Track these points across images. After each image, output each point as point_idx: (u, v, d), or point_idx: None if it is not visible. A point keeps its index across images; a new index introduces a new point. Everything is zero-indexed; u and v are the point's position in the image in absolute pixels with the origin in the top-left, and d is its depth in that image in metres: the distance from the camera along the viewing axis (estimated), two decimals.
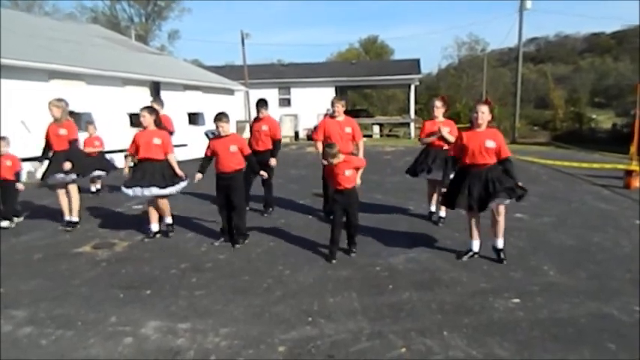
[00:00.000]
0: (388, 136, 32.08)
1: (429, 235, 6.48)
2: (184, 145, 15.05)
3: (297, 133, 29.80)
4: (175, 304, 4.39)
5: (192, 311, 4.22)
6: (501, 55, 62.26)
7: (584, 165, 13.04)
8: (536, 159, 14.82)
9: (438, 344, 3.55)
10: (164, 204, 6.71)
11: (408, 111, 33.93)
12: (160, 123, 6.78)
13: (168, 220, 6.87)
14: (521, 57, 28.69)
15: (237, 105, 26.28)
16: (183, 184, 6.65)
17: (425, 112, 46.06)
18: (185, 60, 35.87)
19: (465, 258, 5.54)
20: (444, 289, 4.65)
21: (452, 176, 5.74)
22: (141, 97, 16.84)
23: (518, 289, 4.59)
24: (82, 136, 7.97)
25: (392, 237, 6.41)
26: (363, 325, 3.88)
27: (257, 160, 6.74)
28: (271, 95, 30.75)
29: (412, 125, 31.99)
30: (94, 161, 8.92)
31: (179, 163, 6.76)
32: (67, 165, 6.87)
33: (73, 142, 7.13)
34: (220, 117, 6.12)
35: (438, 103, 7.19)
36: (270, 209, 8.02)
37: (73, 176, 7.07)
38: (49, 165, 7.11)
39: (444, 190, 5.81)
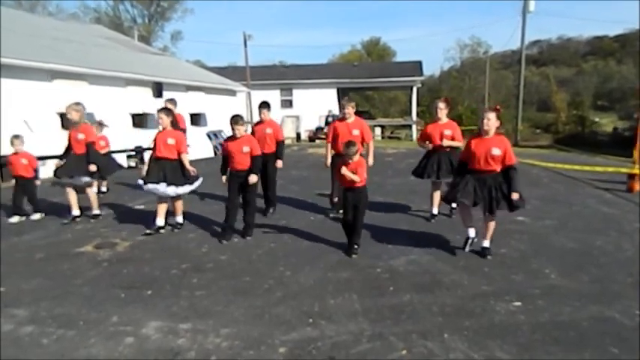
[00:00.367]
0: (390, 138, 32.10)
1: (430, 238, 6.47)
2: (187, 146, 15.06)
3: (298, 135, 29.83)
4: (176, 304, 4.39)
5: (192, 312, 4.23)
6: (504, 58, 62.25)
7: (587, 168, 13.01)
8: (538, 162, 14.80)
9: (439, 347, 3.55)
10: (179, 202, 7.07)
11: (409, 113, 33.97)
12: (176, 124, 7.11)
13: (179, 219, 7.17)
14: (523, 59, 28.69)
15: (239, 106, 26.29)
16: (197, 183, 7.01)
17: (427, 114, 46.09)
18: (187, 61, 35.93)
19: (467, 248, 5.85)
20: (445, 291, 4.64)
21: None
22: (143, 98, 16.92)
23: (520, 292, 4.58)
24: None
25: (393, 239, 6.40)
26: (364, 327, 3.88)
27: (262, 162, 6.87)
28: (273, 96, 30.79)
29: (414, 127, 32.02)
30: (110, 161, 9.07)
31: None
32: (93, 167, 7.35)
33: (91, 145, 7.47)
34: (236, 119, 6.45)
35: (442, 105, 7.21)
36: (272, 209, 8.03)
37: (89, 178, 7.52)
38: (66, 166, 7.44)
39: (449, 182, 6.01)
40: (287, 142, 8.32)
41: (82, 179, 7.44)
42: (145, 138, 16.06)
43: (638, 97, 34.88)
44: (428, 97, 51.11)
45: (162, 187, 6.66)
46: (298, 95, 31.64)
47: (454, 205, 7.25)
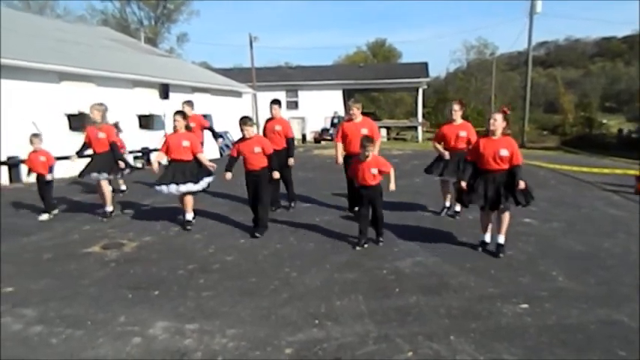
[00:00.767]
0: (395, 139, 32.07)
1: (436, 239, 6.45)
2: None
3: (304, 136, 29.85)
4: (183, 305, 4.41)
5: (199, 312, 4.24)
6: (510, 59, 62.11)
7: (594, 170, 12.95)
8: (545, 163, 14.73)
9: (445, 349, 3.54)
10: (189, 200, 7.24)
11: (415, 114, 33.93)
12: (189, 126, 7.48)
13: (189, 216, 7.32)
14: (530, 61, 28.58)
15: (245, 107, 26.35)
16: (208, 180, 7.25)
17: (432, 115, 46.18)
18: (193, 62, 36.08)
19: (480, 249, 5.93)
20: (452, 293, 4.63)
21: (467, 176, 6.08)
22: (150, 99, 17.00)
23: (527, 294, 4.57)
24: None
25: (399, 240, 6.40)
26: (370, 329, 3.87)
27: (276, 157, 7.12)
28: (279, 98, 30.79)
29: (419, 129, 31.96)
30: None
31: None
32: (122, 164, 7.76)
33: (114, 144, 7.75)
34: (245, 121, 6.63)
35: (456, 107, 7.46)
36: (294, 203, 8.47)
37: (110, 175, 7.89)
38: (89, 164, 7.69)
39: (462, 184, 6.05)
40: (293, 137, 8.42)
41: (103, 175, 7.72)
42: (151, 139, 16.15)
43: None
44: (434, 98, 51.15)
45: (168, 188, 6.93)
46: (304, 97, 31.68)
47: (458, 208, 7.58)
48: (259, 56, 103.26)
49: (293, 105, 31.91)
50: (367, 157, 6.00)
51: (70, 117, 13.99)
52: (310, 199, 9.23)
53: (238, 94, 23.82)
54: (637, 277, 4.98)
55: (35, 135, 7.97)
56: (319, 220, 7.57)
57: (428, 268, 5.36)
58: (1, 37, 12.96)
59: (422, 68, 33.14)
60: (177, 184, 6.91)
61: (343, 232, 6.89)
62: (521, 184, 5.49)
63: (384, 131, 31.40)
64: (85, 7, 66.16)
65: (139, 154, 15.76)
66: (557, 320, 4.01)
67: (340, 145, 7.61)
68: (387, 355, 3.48)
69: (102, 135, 7.63)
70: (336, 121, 28.75)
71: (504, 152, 5.55)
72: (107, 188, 7.95)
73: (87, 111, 13.22)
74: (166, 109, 16.85)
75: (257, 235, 6.65)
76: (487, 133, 5.76)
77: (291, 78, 33.24)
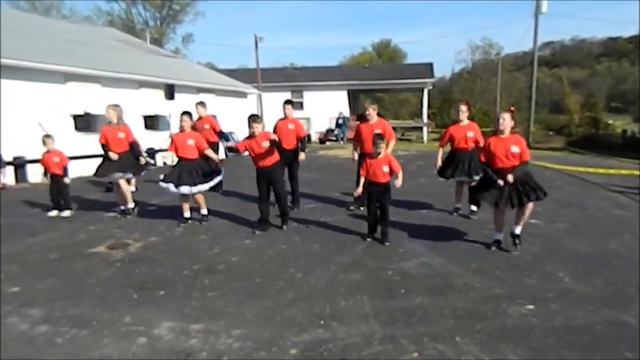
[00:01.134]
0: (400, 140, 31.98)
1: (441, 240, 6.44)
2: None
3: (309, 137, 29.83)
4: (188, 305, 4.41)
5: (204, 312, 4.25)
6: (516, 59, 61.91)
7: (600, 170, 12.90)
8: (551, 164, 14.68)
9: (451, 350, 3.53)
10: (200, 197, 7.45)
11: (420, 115, 33.85)
12: (195, 127, 7.73)
13: (204, 211, 7.58)
14: (536, 61, 28.46)
15: (250, 108, 26.38)
16: (217, 179, 7.50)
17: (438, 116, 46.08)
18: (199, 63, 36.15)
19: (493, 247, 6.00)
20: (457, 294, 4.62)
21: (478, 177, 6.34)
22: (155, 100, 17.04)
23: (533, 295, 4.55)
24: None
25: (404, 241, 6.39)
26: (375, 329, 3.87)
27: (284, 157, 7.40)
28: (284, 98, 30.76)
29: (425, 129, 31.88)
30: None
31: None
32: (143, 160, 8.13)
33: (134, 143, 8.06)
34: (254, 118, 6.80)
35: (464, 108, 7.64)
36: (297, 205, 8.48)
37: (131, 174, 8.15)
38: (109, 163, 7.82)
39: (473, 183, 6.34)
40: (304, 136, 8.54)
41: (128, 175, 8.01)
42: (157, 139, 16.19)
43: None
44: (439, 99, 51.03)
45: (178, 189, 7.11)
46: (309, 97, 31.65)
47: (474, 208, 7.66)
48: (264, 57, 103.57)
49: (298, 105, 31.78)
50: (379, 153, 6.22)
51: (75, 117, 14.05)
52: (315, 199, 9.24)
53: (243, 95, 23.85)
54: None
55: (47, 136, 8.14)
56: (324, 220, 7.57)
57: (433, 268, 5.35)
58: (8, 38, 13.04)
59: (427, 69, 33.03)
60: (188, 185, 7.07)
61: (348, 232, 6.89)
62: (510, 178, 5.59)
63: None
64: (91, 8, 66.52)
65: (145, 155, 15.80)
66: (564, 321, 3.99)
67: (355, 154, 8.10)
68: (393, 355, 3.48)
69: (121, 135, 7.88)
70: (341, 121, 28.73)
71: (515, 149, 5.70)
72: (127, 187, 8.13)
73: (92, 111, 13.37)
74: (172, 109, 16.91)
75: (284, 228, 6.96)
76: (495, 133, 5.89)
77: (296, 78, 33.21)
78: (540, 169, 13.29)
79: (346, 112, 30.58)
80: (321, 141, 28.93)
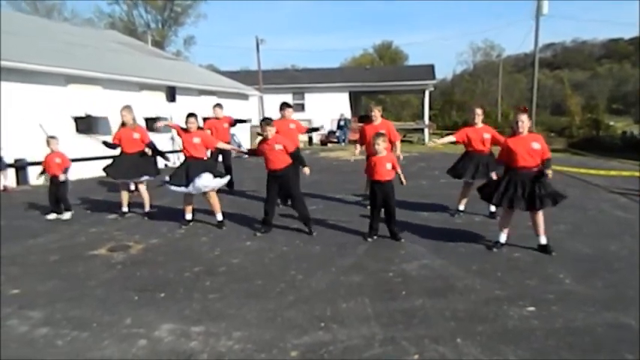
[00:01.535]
0: (402, 141, 31.94)
1: (442, 242, 6.44)
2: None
3: (310, 139, 29.83)
4: (189, 307, 4.41)
5: (205, 314, 4.25)
6: (517, 61, 61.95)
7: (601, 172, 12.88)
8: (552, 165, 14.64)
9: (452, 352, 3.53)
10: (214, 199, 7.37)
11: (422, 117, 33.81)
12: (201, 127, 7.90)
13: (219, 216, 7.44)
14: (537, 63, 28.45)
15: (252, 110, 26.40)
16: (225, 180, 7.56)
17: (439, 117, 46.07)
18: (200, 65, 36.21)
19: (494, 249, 6.00)
20: (458, 296, 4.62)
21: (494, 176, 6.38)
22: (157, 102, 17.06)
23: (534, 297, 4.54)
24: (107, 139, 8.35)
25: (405, 243, 6.39)
26: (376, 331, 3.86)
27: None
28: (285, 100, 30.79)
29: (426, 131, 31.86)
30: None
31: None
32: (166, 160, 8.48)
33: (152, 143, 8.20)
34: (267, 122, 6.83)
35: (479, 111, 7.79)
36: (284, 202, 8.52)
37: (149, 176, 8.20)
38: (125, 166, 7.92)
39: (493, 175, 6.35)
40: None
41: (141, 178, 8.06)
42: (158, 141, 16.19)
43: None
44: (440, 100, 51.03)
45: (187, 189, 7.14)
46: (310, 99, 31.65)
47: (493, 209, 7.70)
48: (266, 59, 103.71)
49: (299, 107, 31.87)
50: (379, 151, 6.30)
51: (76, 120, 14.06)
52: (316, 201, 9.23)
53: (245, 97, 23.87)
54: None
55: (52, 137, 8.14)
56: (325, 222, 7.57)
57: (434, 270, 5.34)
58: (9, 40, 13.07)
59: (428, 70, 33.01)
60: (193, 183, 7.05)
61: (349, 234, 6.89)
62: (549, 173, 5.74)
63: None
64: (93, 10, 66.67)
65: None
66: (564, 323, 3.99)
67: (359, 146, 8.24)
68: (393, 357, 3.47)
69: (136, 135, 7.98)
70: (342, 123, 28.73)
71: (536, 145, 5.76)
72: (144, 189, 8.22)
73: (93, 113, 13.39)
74: (173, 111, 16.94)
75: (312, 232, 6.82)
76: (513, 134, 5.94)
77: (297, 80, 33.22)
78: None
79: (348, 114, 30.57)
80: (323, 143, 28.91)
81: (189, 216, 7.49)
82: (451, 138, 8.05)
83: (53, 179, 8.04)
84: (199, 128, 7.67)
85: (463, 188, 7.99)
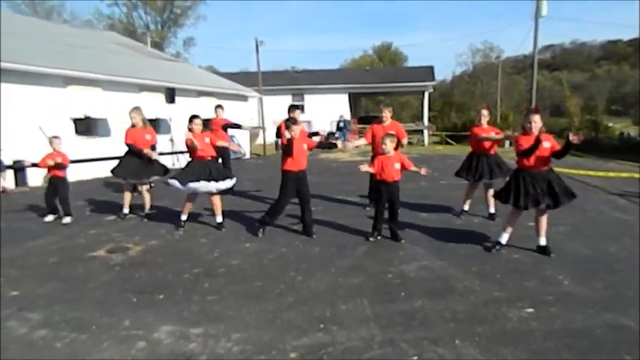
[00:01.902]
0: None
1: (442, 243, 6.44)
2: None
3: None
4: (188, 309, 4.41)
5: (204, 316, 4.24)
6: (516, 63, 61.98)
7: (600, 173, 12.89)
8: (551, 167, 14.64)
9: (451, 353, 3.53)
10: (218, 200, 7.34)
11: (421, 118, 33.85)
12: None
13: (219, 218, 7.38)
14: (536, 64, 28.46)
15: (251, 111, 26.39)
16: (231, 182, 7.45)
17: (439, 119, 46.05)
18: (200, 67, 36.20)
19: (494, 250, 5.98)
20: (457, 297, 4.61)
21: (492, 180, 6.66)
22: (156, 103, 17.07)
23: (533, 298, 4.54)
24: (106, 141, 8.31)
25: (404, 244, 6.39)
26: (375, 333, 3.86)
27: None
28: (285, 102, 30.71)
29: (426, 132, 31.89)
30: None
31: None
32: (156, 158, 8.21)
33: (154, 147, 8.18)
34: (294, 121, 6.78)
35: (485, 112, 7.78)
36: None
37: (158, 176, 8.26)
38: (137, 167, 7.92)
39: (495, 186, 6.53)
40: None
41: (150, 179, 8.15)
42: (158, 143, 16.19)
43: None
44: (440, 102, 51.04)
45: (203, 186, 7.05)
46: (310, 100, 31.68)
47: (492, 210, 7.79)
48: (265, 60, 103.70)
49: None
50: (387, 151, 6.33)
51: (76, 121, 14.06)
52: (315, 202, 9.22)
53: (244, 98, 23.86)
54: None
55: (55, 137, 8.10)
56: (324, 223, 7.57)
57: (433, 272, 5.34)
58: (8, 42, 13.07)
59: (428, 72, 33.08)
60: (207, 181, 7.01)
61: (348, 235, 6.89)
62: (573, 137, 5.69)
63: None
64: (92, 11, 66.69)
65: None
66: (563, 325, 3.99)
67: (363, 140, 8.40)
68: (393, 359, 3.47)
69: (148, 137, 8.04)
70: (342, 125, 28.74)
71: (547, 144, 5.74)
72: (147, 192, 8.26)
73: (93, 115, 13.39)
74: (172, 113, 16.94)
75: (314, 236, 6.77)
76: (525, 132, 5.91)
77: (297, 82, 33.25)
78: None
79: (347, 116, 30.59)
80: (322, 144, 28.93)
81: (184, 217, 7.46)
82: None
83: (52, 180, 8.00)
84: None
85: (468, 189, 8.02)
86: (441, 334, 3.82)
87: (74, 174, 8.57)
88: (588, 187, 11.33)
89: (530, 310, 4.28)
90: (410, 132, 34.03)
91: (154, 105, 17.10)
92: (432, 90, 33.25)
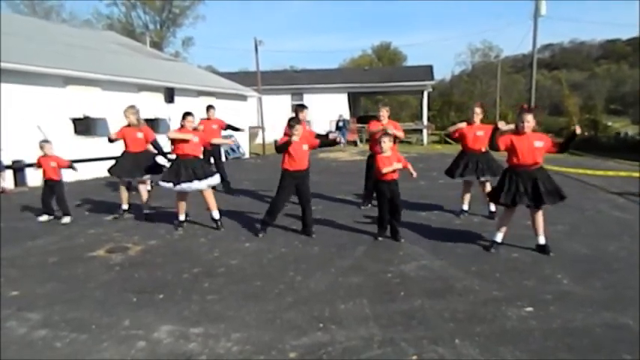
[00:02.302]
0: (400, 142, 31.96)
1: (441, 243, 6.45)
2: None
3: None
4: (188, 308, 4.41)
5: (204, 316, 4.25)
6: (515, 62, 61.97)
7: (599, 172, 12.90)
8: (550, 166, 14.65)
9: (450, 353, 3.53)
10: (209, 196, 7.29)
11: (420, 117, 33.86)
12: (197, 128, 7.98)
13: (215, 214, 7.35)
14: (535, 63, 28.47)
15: (250, 111, 26.38)
16: (214, 181, 7.37)
17: (438, 118, 46.07)
18: (199, 66, 36.19)
19: (492, 249, 6.00)
20: (457, 297, 4.62)
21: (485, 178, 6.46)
22: (155, 103, 17.06)
23: (532, 297, 4.55)
24: (105, 141, 8.30)
25: (404, 244, 6.40)
26: (375, 332, 3.87)
27: None
28: (284, 101, 30.85)
29: (424, 132, 31.89)
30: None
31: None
32: (164, 160, 8.15)
33: (155, 142, 8.17)
34: (297, 121, 6.77)
35: (478, 110, 7.81)
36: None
37: (149, 175, 8.18)
38: (125, 164, 7.94)
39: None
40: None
41: (144, 177, 8.07)
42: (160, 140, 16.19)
43: None
44: (439, 101, 50.99)
45: (188, 185, 7.05)
46: (309, 100, 31.58)
47: (493, 208, 7.78)
48: (265, 60, 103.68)
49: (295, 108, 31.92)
50: (385, 150, 6.39)
51: (75, 121, 14.05)
52: (315, 202, 9.22)
53: (243, 98, 23.85)
54: None
55: (45, 141, 8.11)
56: (324, 223, 7.57)
57: (433, 271, 5.35)
58: (7, 42, 13.05)
59: (427, 71, 33.04)
60: (188, 182, 6.99)
61: (348, 235, 6.90)
62: (577, 129, 5.89)
63: None
64: (91, 11, 66.59)
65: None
66: (562, 324, 4.00)
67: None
68: (392, 358, 3.48)
69: (140, 135, 7.97)
70: (341, 124, 28.73)
71: (539, 144, 5.75)
72: (144, 189, 8.21)
73: (92, 115, 13.38)
74: (171, 112, 16.93)
75: (313, 236, 6.79)
76: (517, 132, 5.89)
77: (296, 81, 33.23)
78: None
79: (346, 115, 30.57)
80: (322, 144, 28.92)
81: (182, 217, 7.47)
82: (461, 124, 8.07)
83: (48, 182, 8.02)
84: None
85: (463, 188, 8.06)
86: (440, 334, 3.83)
87: (73, 174, 8.54)
88: (587, 186, 11.34)
89: (530, 309, 4.29)
90: (409, 131, 34.11)
91: (153, 105, 17.10)
92: (431, 89, 33.22)
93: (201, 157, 7.45)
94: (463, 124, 7.87)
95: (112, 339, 3.83)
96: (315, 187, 10.85)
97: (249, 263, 5.73)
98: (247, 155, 22.88)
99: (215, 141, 7.95)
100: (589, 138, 34.70)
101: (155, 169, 8.10)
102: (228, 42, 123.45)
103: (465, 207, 8.06)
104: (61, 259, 5.98)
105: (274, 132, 20.50)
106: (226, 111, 20.93)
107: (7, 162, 11.59)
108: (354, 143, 28.93)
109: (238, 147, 21.37)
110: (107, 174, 8.31)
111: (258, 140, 27.01)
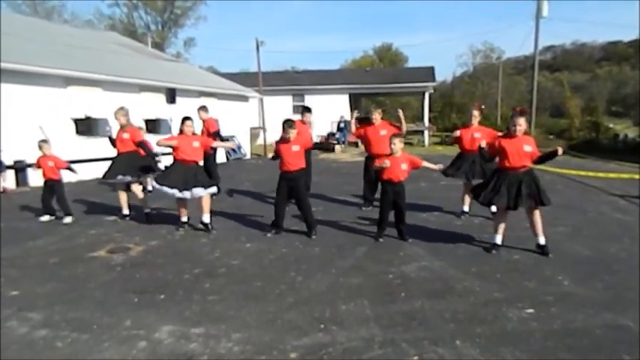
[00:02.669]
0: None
1: (441, 244, 6.45)
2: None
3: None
4: (189, 309, 4.42)
5: (205, 316, 4.25)
6: (517, 63, 61.90)
7: (600, 174, 12.89)
8: (551, 168, 14.66)
9: (451, 353, 3.53)
10: (206, 201, 7.23)
11: (422, 119, 33.83)
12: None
13: (205, 217, 7.24)
14: (537, 65, 28.48)
15: (252, 112, 26.39)
16: (213, 190, 7.39)
17: (439, 119, 46.06)
18: (200, 67, 36.21)
19: (493, 251, 5.99)
20: (457, 298, 4.62)
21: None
22: (157, 104, 17.08)
23: (533, 298, 4.55)
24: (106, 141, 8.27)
25: (404, 245, 6.40)
26: (375, 333, 3.87)
27: None
28: (285, 102, 30.84)
29: (426, 133, 31.88)
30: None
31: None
32: (156, 164, 8.21)
33: (142, 143, 8.03)
34: (290, 124, 6.83)
35: (476, 112, 7.89)
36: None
37: (135, 177, 8.01)
38: (112, 166, 7.88)
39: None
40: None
41: (127, 178, 7.90)
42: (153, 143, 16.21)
43: None
44: (440, 102, 50.98)
45: (190, 193, 7.04)
46: (310, 101, 31.58)
47: (494, 209, 7.51)
48: (266, 61, 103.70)
49: (300, 109, 31.94)
50: (395, 151, 6.36)
51: (76, 121, 14.07)
52: (316, 202, 9.23)
53: (245, 99, 23.87)
54: None
55: (44, 141, 8.12)
56: (325, 223, 7.57)
57: (433, 272, 5.35)
58: (9, 42, 13.08)
59: (428, 72, 33.02)
60: (188, 189, 6.98)
61: (349, 236, 6.90)
62: (560, 150, 6.01)
63: None
64: (93, 11, 66.59)
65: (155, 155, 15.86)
66: (563, 325, 4.00)
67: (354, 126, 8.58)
68: (393, 359, 3.48)
69: (125, 135, 7.89)
70: (342, 125, 28.73)
71: (528, 148, 5.80)
72: (138, 189, 8.17)
73: (93, 115, 13.40)
74: (173, 113, 16.94)
75: (313, 237, 6.81)
76: (506, 135, 5.98)
77: (297, 82, 33.20)
78: (541, 173, 13.27)
79: (347, 116, 30.55)
80: (323, 145, 28.90)
81: (184, 218, 7.48)
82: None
83: (47, 182, 8.03)
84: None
85: (463, 189, 8.11)
86: (441, 335, 3.83)
87: (74, 174, 8.54)
88: (588, 188, 11.33)
89: (530, 310, 4.29)
90: (410, 133, 34.14)
91: (154, 105, 17.13)
92: (432, 91, 33.20)
93: (201, 162, 7.44)
94: (457, 132, 8.07)
95: (113, 339, 3.83)
96: (315, 187, 10.85)
97: (250, 264, 5.74)
98: (248, 156, 22.89)
99: (216, 144, 7.94)
100: (590, 140, 34.67)
101: (141, 170, 8.00)
102: (230, 43, 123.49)
103: (466, 208, 8.08)
104: (61, 259, 5.99)
105: (275, 133, 20.50)
106: (227, 111, 20.99)
107: (8, 162, 11.61)
108: (355, 144, 28.90)
109: (239, 148, 21.37)
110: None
111: (260, 141, 27.01)
